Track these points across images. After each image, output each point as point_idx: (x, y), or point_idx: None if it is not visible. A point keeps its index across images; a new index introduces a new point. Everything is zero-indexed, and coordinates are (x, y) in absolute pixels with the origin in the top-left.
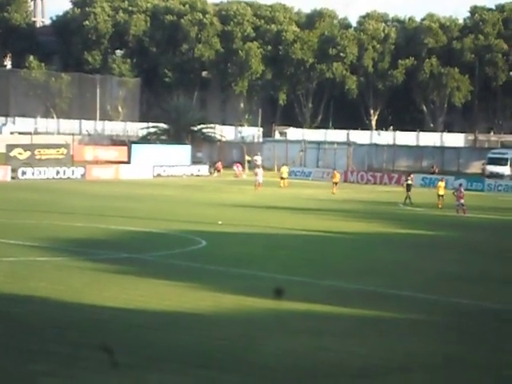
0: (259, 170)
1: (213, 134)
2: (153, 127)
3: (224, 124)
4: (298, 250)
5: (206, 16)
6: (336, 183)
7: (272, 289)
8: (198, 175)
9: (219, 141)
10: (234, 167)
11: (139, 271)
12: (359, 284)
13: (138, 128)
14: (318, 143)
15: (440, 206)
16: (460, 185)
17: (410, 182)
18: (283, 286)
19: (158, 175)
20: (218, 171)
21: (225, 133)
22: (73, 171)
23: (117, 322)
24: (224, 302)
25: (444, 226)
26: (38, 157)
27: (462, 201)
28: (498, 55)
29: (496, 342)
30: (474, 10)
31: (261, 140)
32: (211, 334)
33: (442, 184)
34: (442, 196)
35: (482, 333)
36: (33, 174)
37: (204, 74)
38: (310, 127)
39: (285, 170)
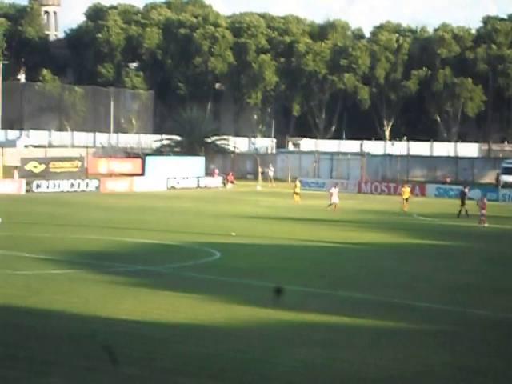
0: (335, 190)
1: (226, 146)
2: (166, 139)
3: (237, 135)
4: (312, 261)
5: (218, 29)
6: (407, 199)
7: (273, 289)
8: (211, 187)
9: (233, 152)
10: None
11: (154, 283)
12: (373, 295)
13: (151, 140)
14: (332, 154)
15: None
16: (484, 195)
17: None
18: (284, 291)
19: (172, 187)
20: (231, 183)
21: (238, 144)
22: (87, 184)
23: (132, 335)
24: (239, 313)
25: (459, 236)
26: (52, 170)
27: (484, 211)
28: (510, 65)
29: None
30: (487, 20)
31: (274, 151)
32: (226, 346)
33: None
34: None
35: (497, 343)
36: (47, 187)
37: (217, 85)
38: (324, 138)
39: (298, 184)
